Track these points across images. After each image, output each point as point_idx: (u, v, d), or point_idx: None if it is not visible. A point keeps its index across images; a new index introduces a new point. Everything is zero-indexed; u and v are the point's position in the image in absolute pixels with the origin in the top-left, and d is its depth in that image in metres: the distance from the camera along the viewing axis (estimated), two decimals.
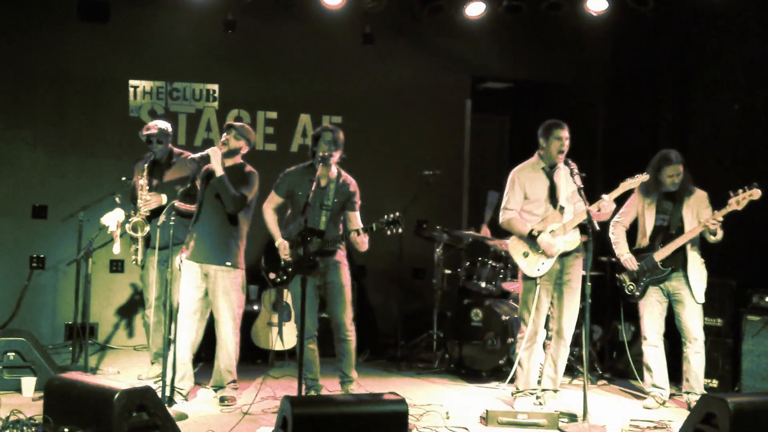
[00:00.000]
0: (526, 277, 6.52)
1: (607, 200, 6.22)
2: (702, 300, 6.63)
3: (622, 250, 6.84)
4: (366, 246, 6.30)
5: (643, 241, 6.82)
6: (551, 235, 6.36)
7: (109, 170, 8.36)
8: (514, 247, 6.55)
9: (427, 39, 9.44)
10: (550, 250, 6.35)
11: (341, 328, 6.33)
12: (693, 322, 6.62)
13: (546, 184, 6.48)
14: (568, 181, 6.44)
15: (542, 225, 6.42)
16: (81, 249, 7.34)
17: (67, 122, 8.62)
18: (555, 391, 6.55)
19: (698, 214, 6.63)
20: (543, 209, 6.47)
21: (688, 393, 6.63)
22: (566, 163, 6.34)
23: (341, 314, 6.32)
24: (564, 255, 6.45)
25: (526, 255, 6.48)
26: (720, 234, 6.47)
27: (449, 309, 8.52)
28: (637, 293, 6.74)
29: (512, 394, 6.67)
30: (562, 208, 6.44)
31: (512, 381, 6.75)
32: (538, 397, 6.57)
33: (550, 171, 6.50)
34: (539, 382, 6.60)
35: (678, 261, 6.64)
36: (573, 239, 6.43)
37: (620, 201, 6.80)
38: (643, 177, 6.41)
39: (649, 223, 6.77)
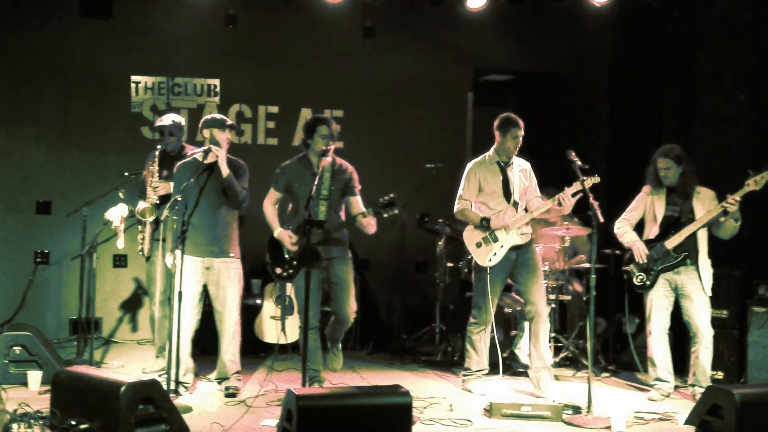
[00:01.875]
0: (478, 268, 6.70)
1: (569, 194, 6.34)
2: (709, 293, 6.63)
3: (631, 238, 6.80)
4: (374, 228, 6.24)
5: (651, 231, 6.76)
6: (505, 231, 6.58)
7: (112, 165, 8.36)
8: (468, 237, 6.74)
9: (428, 32, 9.43)
10: (504, 222, 6.53)
11: (346, 322, 6.37)
12: (701, 316, 6.60)
13: (500, 179, 6.69)
14: (521, 177, 6.72)
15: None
16: (85, 244, 7.37)
17: (70, 118, 8.64)
18: (549, 370, 6.66)
19: (710, 211, 6.60)
20: (498, 203, 6.67)
21: (693, 385, 6.63)
22: (568, 156, 6.37)
23: (346, 309, 6.32)
24: (516, 248, 6.64)
25: (479, 245, 6.67)
26: (739, 221, 6.47)
27: (452, 302, 8.53)
28: (648, 282, 6.70)
29: (463, 376, 6.85)
30: (516, 203, 6.65)
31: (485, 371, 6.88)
32: (532, 377, 6.69)
33: (504, 166, 6.71)
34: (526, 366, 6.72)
35: (690, 249, 6.61)
36: (526, 233, 6.67)
37: (624, 199, 6.86)
38: (595, 179, 6.39)
39: (659, 213, 6.73)
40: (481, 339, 6.77)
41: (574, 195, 6.34)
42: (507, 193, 6.69)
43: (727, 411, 5.06)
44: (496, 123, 6.70)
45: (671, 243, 6.61)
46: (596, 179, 6.34)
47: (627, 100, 9.35)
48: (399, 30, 9.29)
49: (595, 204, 6.06)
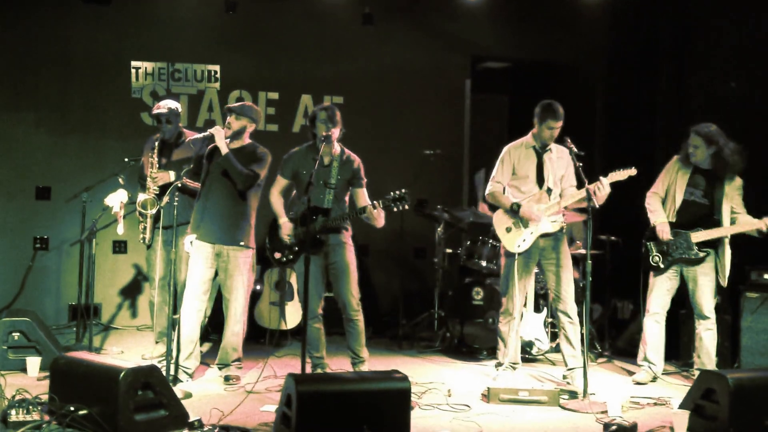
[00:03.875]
0: (507, 253, 6.63)
1: (605, 182, 6.19)
2: (725, 283, 6.60)
3: (658, 218, 6.68)
4: (383, 221, 6.23)
5: (670, 213, 6.68)
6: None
7: (111, 151, 8.40)
8: (498, 221, 6.67)
9: (427, 19, 9.44)
10: (532, 216, 6.43)
11: (347, 307, 6.34)
12: (706, 300, 6.61)
13: (534, 163, 6.58)
14: (559, 164, 6.57)
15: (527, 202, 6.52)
16: (84, 230, 7.39)
17: (70, 104, 8.65)
18: (581, 367, 6.57)
19: (732, 199, 6.59)
20: (529, 188, 6.58)
21: (699, 369, 6.59)
22: (563, 143, 6.36)
23: (346, 294, 6.33)
24: (546, 236, 6.54)
25: (508, 230, 6.60)
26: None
27: (450, 288, 8.56)
28: (662, 266, 6.63)
29: (495, 366, 6.80)
30: (549, 190, 6.54)
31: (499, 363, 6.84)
32: (565, 377, 6.65)
33: (541, 151, 6.60)
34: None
35: (712, 244, 6.58)
36: (556, 220, 6.54)
37: (621, 187, 6.82)
38: (631, 171, 6.29)
39: (678, 195, 6.66)
40: (509, 330, 6.65)
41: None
42: (540, 179, 6.57)
43: (720, 395, 5.09)
44: (536, 109, 6.55)
45: (697, 237, 6.56)
46: (632, 171, 6.26)
47: (623, 88, 9.37)
48: (397, 17, 9.31)
49: (591, 189, 6.07)
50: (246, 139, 6.43)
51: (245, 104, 6.46)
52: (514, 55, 10.08)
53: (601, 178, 6.21)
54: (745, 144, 6.99)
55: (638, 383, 6.66)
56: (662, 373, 6.82)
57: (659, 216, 6.70)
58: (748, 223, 6.48)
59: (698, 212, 6.64)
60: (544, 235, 6.54)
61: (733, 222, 6.58)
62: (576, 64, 9.81)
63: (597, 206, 6.05)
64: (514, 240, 6.55)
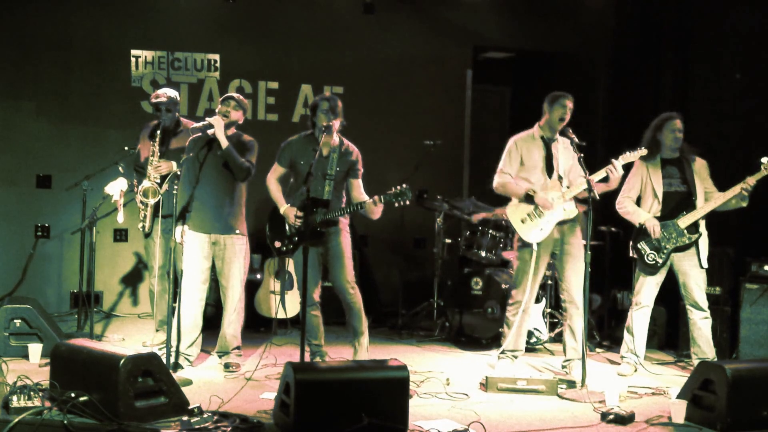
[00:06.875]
0: (523, 245, 6.55)
1: (618, 164, 6.19)
2: (706, 265, 6.62)
3: (642, 216, 6.65)
4: (379, 214, 6.20)
5: (652, 208, 6.66)
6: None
7: (112, 139, 8.41)
8: (513, 213, 6.59)
9: (428, 9, 9.44)
10: (547, 204, 6.39)
11: (344, 293, 6.34)
12: (699, 290, 6.61)
13: (543, 154, 6.53)
14: (566, 154, 6.52)
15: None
16: (85, 218, 7.40)
17: (71, 92, 8.65)
18: (580, 360, 6.54)
19: (704, 180, 6.63)
20: (538, 178, 6.52)
21: (698, 359, 6.54)
22: (564, 133, 6.34)
23: (342, 280, 6.31)
24: (562, 223, 6.49)
25: (524, 221, 6.52)
26: (746, 201, 6.47)
27: (450, 278, 8.58)
28: (660, 261, 6.60)
29: (498, 354, 6.76)
30: (560, 178, 6.48)
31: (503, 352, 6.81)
32: (564, 367, 6.65)
33: (548, 141, 6.55)
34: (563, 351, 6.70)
35: (694, 228, 6.59)
36: (571, 208, 6.48)
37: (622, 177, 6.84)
38: (642, 152, 6.37)
39: (658, 189, 6.64)
40: (517, 320, 6.58)
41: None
42: (549, 168, 6.51)
43: (718, 386, 5.10)
44: (547, 98, 6.49)
45: (684, 222, 6.56)
46: (643, 152, 6.36)
47: (625, 79, 9.35)
48: (398, 6, 9.30)
49: (592, 180, 6.07)
50: (233, 129, 6.47)
51: (241, 96, 6.53)
52: (517, 45, 10.07)
53: (612, 160, 6.21)
54: (748, 136, 7.01)
55: (623, 375, 6.65)
56: (659, 364, 6.83)
57: (642, 215, 6.67)
58: (729, 192, 6.47)
59: (679, 199, 6.63)
60: (559, 223, 6.48)
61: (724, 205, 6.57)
62: (579, 55, 9.80)
63: (597, 197, 6.05)
64: (531, 230, 6.47)
